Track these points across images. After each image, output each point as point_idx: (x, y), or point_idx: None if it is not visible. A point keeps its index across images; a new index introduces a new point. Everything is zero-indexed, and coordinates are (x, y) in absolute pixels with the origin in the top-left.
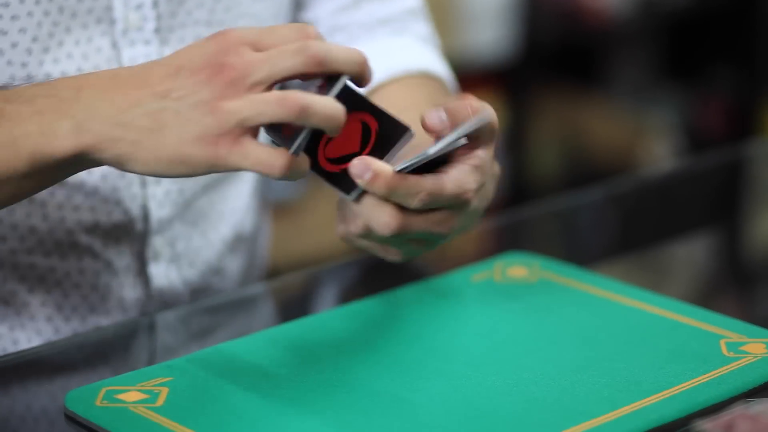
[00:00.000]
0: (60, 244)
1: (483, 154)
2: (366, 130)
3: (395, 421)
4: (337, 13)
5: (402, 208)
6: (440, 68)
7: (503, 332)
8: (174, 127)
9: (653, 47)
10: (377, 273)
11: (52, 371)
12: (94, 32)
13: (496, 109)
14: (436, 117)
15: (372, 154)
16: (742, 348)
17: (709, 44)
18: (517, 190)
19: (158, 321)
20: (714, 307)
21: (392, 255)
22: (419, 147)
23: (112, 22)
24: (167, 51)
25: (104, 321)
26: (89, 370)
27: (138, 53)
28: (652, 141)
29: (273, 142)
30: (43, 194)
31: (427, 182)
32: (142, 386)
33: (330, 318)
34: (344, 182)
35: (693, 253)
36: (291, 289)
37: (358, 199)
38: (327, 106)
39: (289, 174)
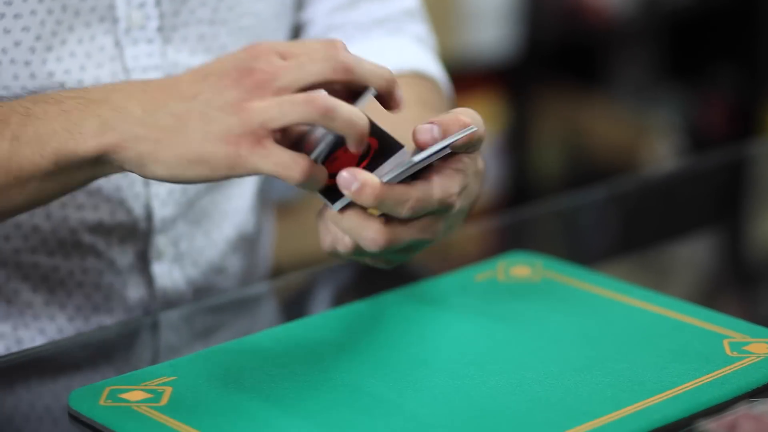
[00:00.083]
0: (63, 244)
1: (466, 159)
2: (366, 148)
3: (398, 421)
4: (333, 12)
5: (387, 222)
6: (434, 69)
7: (506, 332)
8: (197, 126)
9: (655, 46)
10: (380, 273)
11: (55, 370)
12: (97, 31)
13: (497, 109)
14: (429, 134)
15: (365, 169)
16: (746, 348)
17: (711, 43)
18: (519, 189)
19: (161, 320)
20: (717, 306)
21: (381, 263)
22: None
23: (114, 20)
24: (170, 50)
25: (107, 320)
26: (93, 370)
27: (141, 52)
28: (654, 140)
29: None
30: None
31: (415, 190)
32: (145, 385)
33: (333, 317)
34: (333, 194)
35: (696, 252)
36: (294, 289)
37: (342, 210)
38: (352, 112)
39: (308, 181)
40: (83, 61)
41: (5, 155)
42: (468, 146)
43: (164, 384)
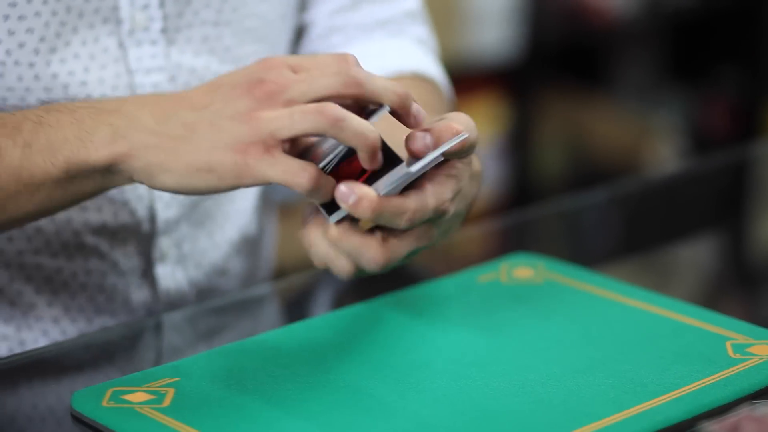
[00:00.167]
0: (67, 245)
1: (459, 164)
2: None
3: (400, 422)
4: (335, 14)
5: (384, 238)
6: (434, 71)
7: (509, 333)
8: (207, 135)
9: (658, 48)
10: (383, 275)
11: (58, 372)
12: (101, 32)
13: (499, 110)
14: (421, 142)
15: (365, 182)
16: (748, 350)
17: (714, 45)
18: (521, 190)
19: (164, 322)
20: (719, 308)
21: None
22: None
23: (118, 22)
24: (174, 51)
25: (111, 322)
26: (96, 371)
27: (144, 53)
28: (656, 142)
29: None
30: None
31: (411, 201)
32: (148, 387)
33: (335, 319)
34: (330, 206)
35: (698, 254)
36: (296, 290)
37: (338, 222)
38: (362, 123)
39: (315, 189)
40: (87, 62)
41: (16, 162)
42: (461, 153)
43: (167, 385)
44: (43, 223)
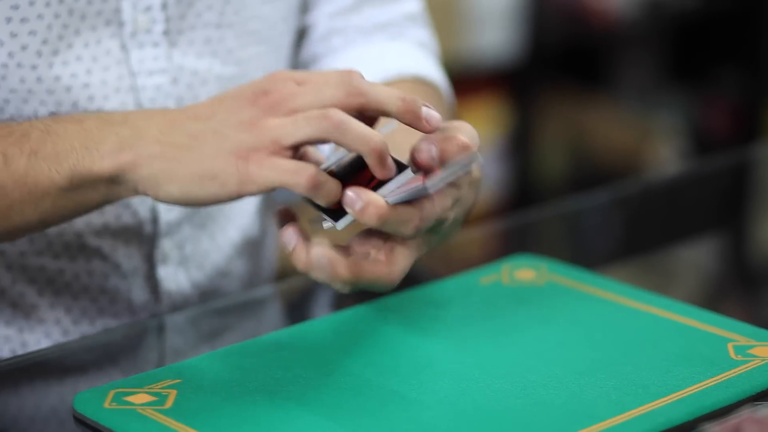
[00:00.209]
0: (69, 246)
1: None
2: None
3: (403, 424)
4: (336, 16)
5: (388, 255)
6: (435, 74)
7: (511, 335)
8: (211, 143)
9: (659, 49)
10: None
11: (60, 373)
12: (103, 34)
13: (501, 112)
14: (427, 154)
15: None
16: (750, 351)
17: (715, 46)
18: (522, 192)
19: (167, 323)
20: (721, 310)
21: None
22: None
23: (120, 24)
24: (176, 53)
25: (113, 323)
26: (98, 372)
27: (146, 55)
28: (657, 143)
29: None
30: None
31: (417, 210)
32: (150, 388)
33: (337, 321)
34: (337, 213)
35: (699, 255)
36: (298, 292)
37: (345, 228)
38: (366, 128)
39: (314, 187)
40: (89, 64)
41: (22, 170)
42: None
43: (169, 387)
44: None
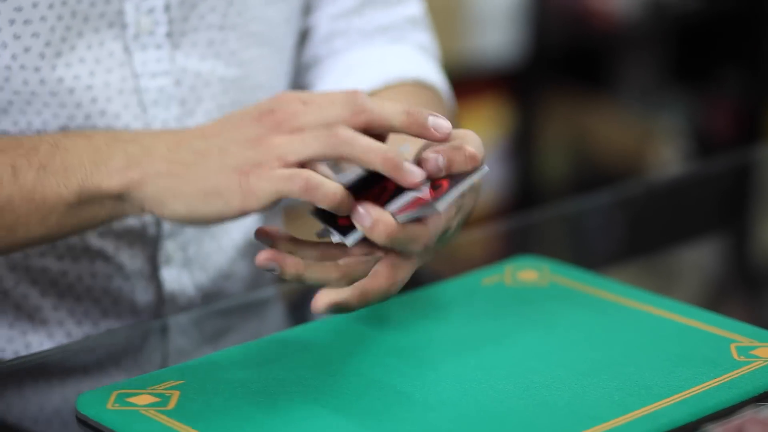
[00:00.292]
0: (72, 248)
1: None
2: (386, 190)
3: (406, 425)
4: (337, 18)
5: (391, 266)
6: (436, 78)
7: (514, 336)
8: (216, 160)
9: (661, 50)
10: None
11: (63, 374)
12: (106, 36)
13: (503, 113)
14: (434, 163)
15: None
16: (752, 352)
17: (718, 48)
18: (525, 193)
19: (170, 324)
20: (723, 310)
21: None
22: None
23: (123, 26)
24: (179, 55)
25: (116, 325)
26: (101, 373)
27: (149, 57)
28: (659, 144)
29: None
30: None
31: (426, 227)
32: (153, 389)
33: (340, 321)
34: (346, 229)
35: (702, 256)
36: (302, 293)
37: (354, 244)
38: (372, 140)
39: (310, 190)
40: (92, 66)
41: (30, 185)
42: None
43: (172, 388)
44: None
